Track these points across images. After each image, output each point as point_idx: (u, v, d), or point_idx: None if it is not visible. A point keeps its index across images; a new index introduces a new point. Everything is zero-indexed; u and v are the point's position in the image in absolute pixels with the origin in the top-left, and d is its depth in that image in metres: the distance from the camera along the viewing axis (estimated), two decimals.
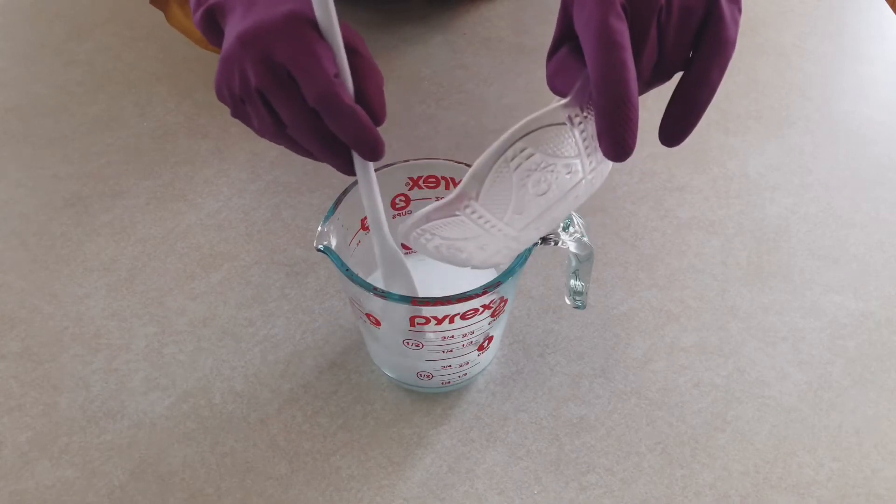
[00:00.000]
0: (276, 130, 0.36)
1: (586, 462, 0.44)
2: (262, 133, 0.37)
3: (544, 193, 0.33)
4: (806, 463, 0.44)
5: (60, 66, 0.68)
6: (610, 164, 0.35)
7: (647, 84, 0.34)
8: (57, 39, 0.70)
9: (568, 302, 0.45)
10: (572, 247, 0.40)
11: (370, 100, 0.35)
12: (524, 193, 0.32)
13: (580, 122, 0.32)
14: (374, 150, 0.35)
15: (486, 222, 0.33)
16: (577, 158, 0.32)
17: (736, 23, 0.33)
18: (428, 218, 0.34)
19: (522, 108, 0.64)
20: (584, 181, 0.34)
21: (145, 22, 0.72)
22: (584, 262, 0.41)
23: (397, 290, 0.42)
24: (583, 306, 0.44)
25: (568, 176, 0.33)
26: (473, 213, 0.33)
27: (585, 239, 0.39)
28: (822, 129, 0.63)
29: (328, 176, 0.58)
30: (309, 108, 0.34)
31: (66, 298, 0.51)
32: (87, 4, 0.74)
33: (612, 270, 0.53)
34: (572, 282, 0.43)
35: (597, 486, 0.43)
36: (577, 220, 0.40)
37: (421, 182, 0.43)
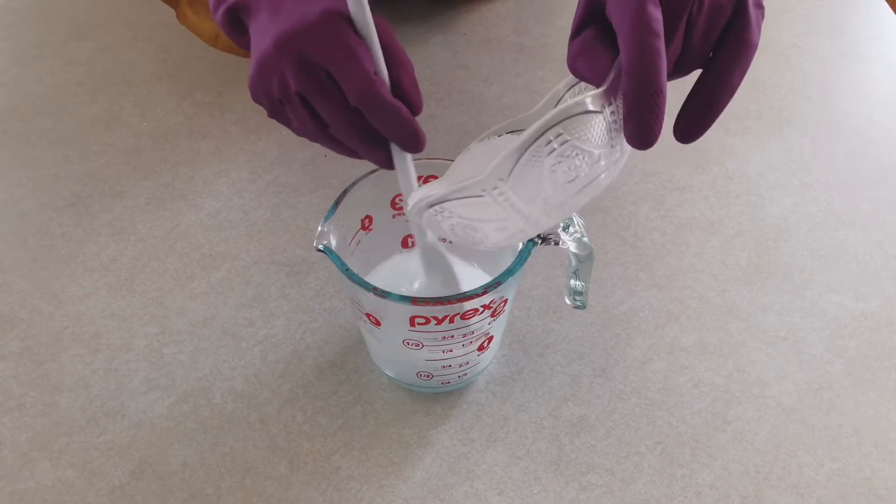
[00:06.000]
0: (318, 131, 0.36)
1: (586, 462, 0.44)
2: (301, 133, 0.38)
3: (573, 180, 0.33)
4: (806, 463, 0.44)
5: (61, 66, 0.68)
6: (626, 156, 0.35)
7: (667, 77, 0.34)
8: (57, 39, 0.70)
9: (568, 302, 0.45)
10: (572, 247, 0.40)
11: (406, 92, 0.35)
12: (554, 179, 0.32)
13: (612, 112, 0.32)
14: (416, 142, 0.35)
15: (511, 205, 0.33)
16: (605, 147, 0.32)
17: (759, 27, 0.33)
18: (448, 196, 0.34)
19: (522, 108, 0.64)
20: (605, 171, 0.34)
21: (145, 22, 0.72)
22: (584, 262, 0.41)
23: (438, 282, 0.42)
24: (583, 306, 0.44)
25: (595, 165, 0.33)
26: (501, 194, 0.33)
27: (585, 239, 0.39)
28: (822, 129, 0.63)
29: (328, 176, 0.58)
30: (351, 107, 0.34)
31: (66, 298, 0.51)
32: (87, 4, 0.74)
33: (612, 270, 0.53)
34: (572, 282, 0.43)
35: (597, 486, 0.43)
36: (577, 220, 0.40)
37: (421, 182, 0.42)
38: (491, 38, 0.71)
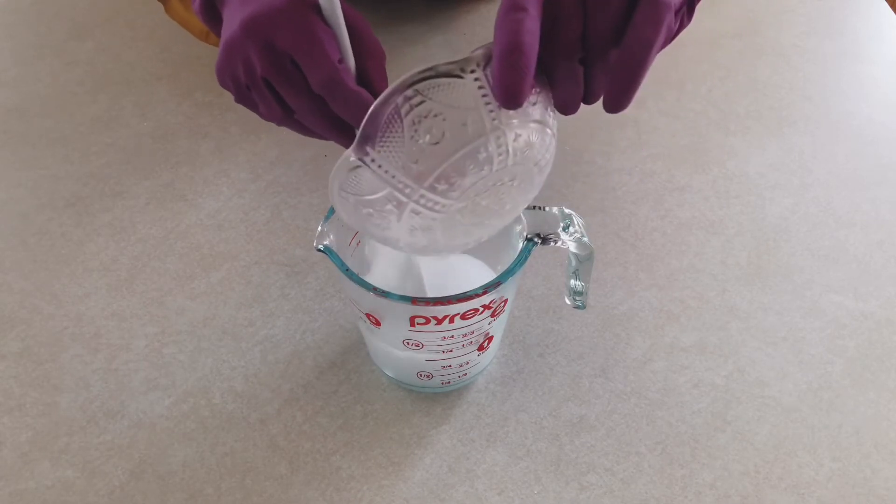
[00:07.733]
0: (283, 116, 0.37)
1: (586, 462, 0.44)
2: (268, 118, 0.38)
3: (437, 142, 0.33)
4: (806, 463, 0.44)
5: (61, 66, 0.68)
6: (549, 132, 0.34)
7: (585, 62, 0.34)
8: (57, 39, 0.70)
9: (568, 302, 0.45)
10: (572, 247, 0.40)
11: (372, 79, 0.36)
12: (416, 140, 0.32)
13: (477, 79, 0.32)
14: None
15: (386, 172, 0.33)
16: (473, 111, 0.32)
17: None
18: (336, 173, 0.34)
19: None
20: (495, 142, 0.33)
21: (145, 22, 0.72)
22: (584, 262, 0.41)
23: (409, 286, 0.42)
24: (583, 306, 0.44)
25: (465, 127, 0.33)
26: (373, 161, 0.33)
27: (585, 239, 0.39)
28: (822, 129, 0.63)
29: (328, 176, 0.58)
30: (314, 94, 0.35)
31: (66, 298, 0.51)
32: (87, 4, 0.74)
33: (612, 270, 0.53)
34: (572, 282, 0.43)
35: (597, 486, 0.43)
36: (576, 220, 0.40)
37: None
38: (491, 38, 0.71)
